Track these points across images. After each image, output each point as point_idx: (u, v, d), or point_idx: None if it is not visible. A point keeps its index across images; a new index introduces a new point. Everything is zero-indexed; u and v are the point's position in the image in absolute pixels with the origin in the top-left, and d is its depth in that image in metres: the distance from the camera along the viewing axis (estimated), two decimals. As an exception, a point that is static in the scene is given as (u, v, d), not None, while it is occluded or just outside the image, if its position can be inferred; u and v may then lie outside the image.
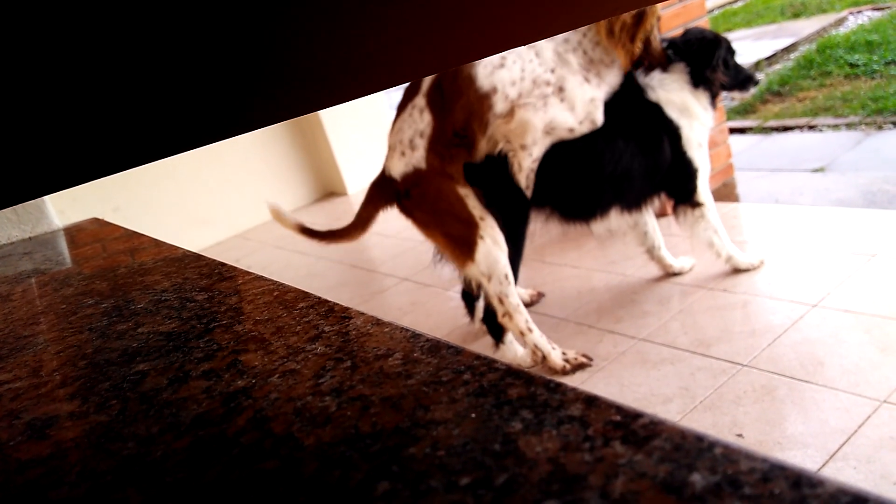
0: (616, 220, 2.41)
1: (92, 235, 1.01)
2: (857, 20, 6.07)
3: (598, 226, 2.43)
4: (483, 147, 2.10)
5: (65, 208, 3.40)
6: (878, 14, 6.01)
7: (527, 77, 2.06)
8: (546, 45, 2.12)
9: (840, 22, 6.17)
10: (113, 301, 0.68)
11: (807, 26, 6.28)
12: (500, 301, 2.13)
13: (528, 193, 2.19)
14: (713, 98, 2.37)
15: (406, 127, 2.09)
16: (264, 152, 4.86)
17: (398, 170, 2.10)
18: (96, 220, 1.12)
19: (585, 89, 2.13)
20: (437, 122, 2.04)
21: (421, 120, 2.06)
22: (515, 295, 2.13)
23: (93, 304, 0.69)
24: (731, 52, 2.38)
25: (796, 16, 6.82)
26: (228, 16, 0.26)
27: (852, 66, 4.77)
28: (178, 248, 0.80)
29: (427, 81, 2.07)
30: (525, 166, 2.13)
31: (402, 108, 2.13)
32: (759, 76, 2.79)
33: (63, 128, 0.26)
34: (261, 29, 0.27)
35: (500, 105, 2.04)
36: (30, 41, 0.23)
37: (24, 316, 0.70)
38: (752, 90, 2.52)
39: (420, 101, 2.07)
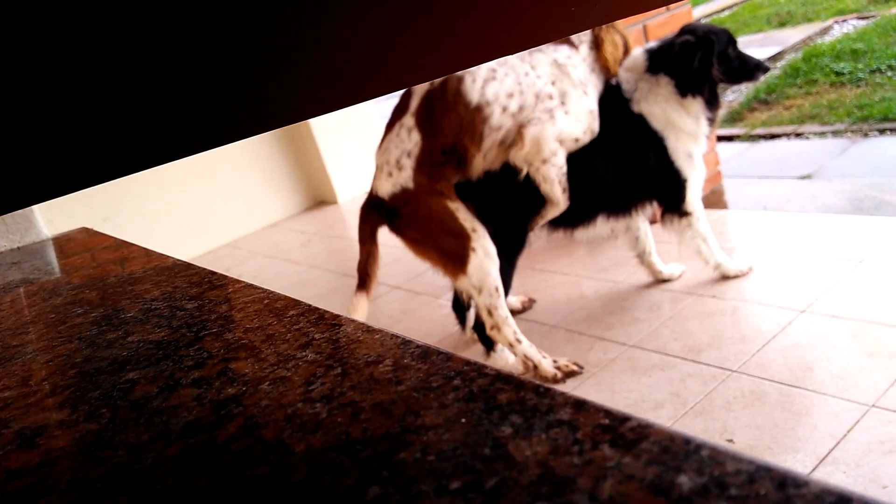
0: (602, 226, 2.43)
1: (81, 245, 1.01)
2: (843, 29, 6.14)
3: (583, 233, 2.44)
4: (479, 163, 2.10)
5: (53, 218, 3.37)
6: (862, 23, 6.08)
7: (526, 91, 2.06)
8: (542, 58, 2.11)
9: (825, 31, 6.24)
10: (102, 310, 0.68)
11: (793, 35, 6.34)
12: (490, 313, 2.13)
13: (566, 200, 2.18)
14: (710, 103, 2.32)
15: (393, 147, 2.08)
16: (254, 161, 4.85)
17: (386, 190, 2.10)
18: (85, 229, 1.11)
19: (585, 101, 2.15)
20: (425, 142, 2.04)
21: (409, 140, 2.06)
22: (504, 307, 2.13)
23: (82, 314, 0.68)
24: (731, 42, 2.31)
25: (782, 25, 6.89)
26: (219, 23, 0.26)
27: (838, 74, 4.82)
28: (168, 257, 0.80)
29: (416, 100, 2.07)
30: (553, 176, 2.13)
31: (389, 127, 2.12)
32: (768, 63, 2.74)
33: (52, 136, 0.27)
34: (252, 36, 0.27)
35: (496, 117, 2.04)
36: (22, 50, 0.24)
37: (13, 326, 0.70)
38: (761, 77, 2.43)
39: (408, 120, 2.07)
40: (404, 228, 2.12)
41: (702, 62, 2.24)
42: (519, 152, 2.09)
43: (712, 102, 2.34)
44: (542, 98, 2.08)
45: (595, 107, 2.17)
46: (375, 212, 2.15)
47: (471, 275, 2.07)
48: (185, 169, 4.49)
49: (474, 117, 2.02)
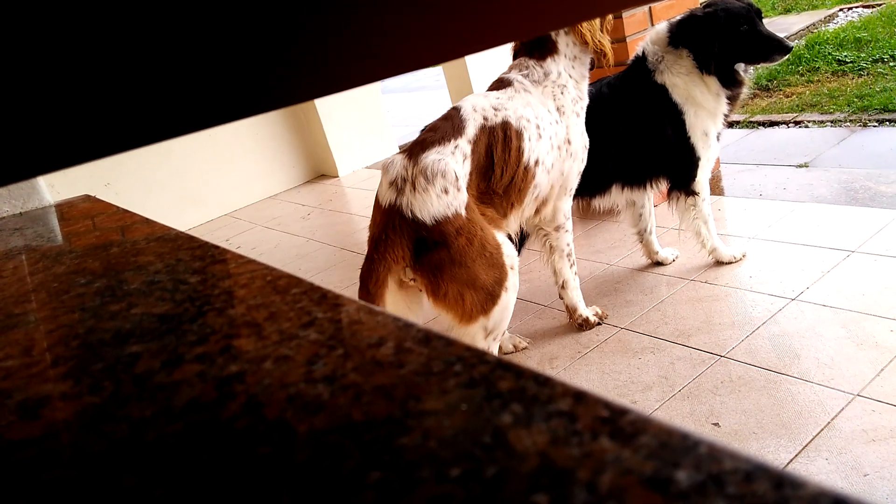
0: (617, 196, 2.47)
1: (83, 212, 1.00)
2: (848, 17, 6.10)
3: (600, 202, 2.48)
4: (518, 218, 2.09)
5: (55, 182, 3.39)
6: (868, 11, 6.04)
7: (555, 145, 2.06)
8: (549, 91, 2.07)
9: (830, 18, 6.20)
10: (105, 281, 0.68)
11: (797, 22, 6.30)
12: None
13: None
14: (729, 84, 2.31)
15: (451, 161, 1.76)
16: (256, 133, 4.85)
17: (434, 210, 1.68)
18: (88, 196, 1.11)
19: (580, 125, 2.14)
20: (476, 177, 1.86)
21: (462, 165, 1.81)
22: (496, 350, 1.98)
23: (85, 284, 0.68)
24: (751, 20, 2.24)
25: (787, 11, 6.84)
26: None
27: (840, 62, 4.80)
28: (171, 228, 0.80)
29: (472, 128, 1.86)
30: (564, 245, 2.27)
31: (441, 140, 1.81)
32: (792, 43, 2.71)
33: (64, 106, 0.26)
34: (273, 9, 0.27)
35: (540, 176, 2.03)
36: (35, 21, 0.23)
37: (16, 293, 0.70)
38: (781, 59, 2.31)
39: (465, 145, 1.83)
40: (446, 266, 1.68)
41: (713, 50, 2.28)
42: (534, 219, 2.17)
43: (730, 81, 2.33)
44: (562, 149, 2.09)
45: (582, 122, 2.16)
46: (406, 238, 1.70)
47: (493, 315, 1.82)
48: (187, 137, 4.48)
49: (526, 176, 1.99)
